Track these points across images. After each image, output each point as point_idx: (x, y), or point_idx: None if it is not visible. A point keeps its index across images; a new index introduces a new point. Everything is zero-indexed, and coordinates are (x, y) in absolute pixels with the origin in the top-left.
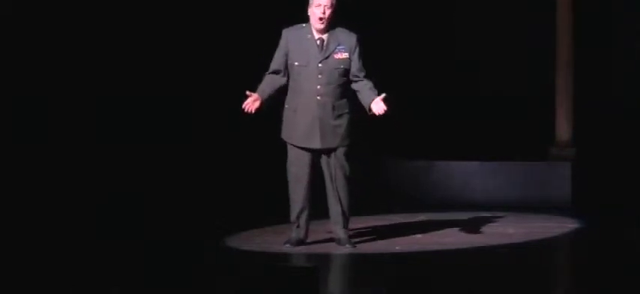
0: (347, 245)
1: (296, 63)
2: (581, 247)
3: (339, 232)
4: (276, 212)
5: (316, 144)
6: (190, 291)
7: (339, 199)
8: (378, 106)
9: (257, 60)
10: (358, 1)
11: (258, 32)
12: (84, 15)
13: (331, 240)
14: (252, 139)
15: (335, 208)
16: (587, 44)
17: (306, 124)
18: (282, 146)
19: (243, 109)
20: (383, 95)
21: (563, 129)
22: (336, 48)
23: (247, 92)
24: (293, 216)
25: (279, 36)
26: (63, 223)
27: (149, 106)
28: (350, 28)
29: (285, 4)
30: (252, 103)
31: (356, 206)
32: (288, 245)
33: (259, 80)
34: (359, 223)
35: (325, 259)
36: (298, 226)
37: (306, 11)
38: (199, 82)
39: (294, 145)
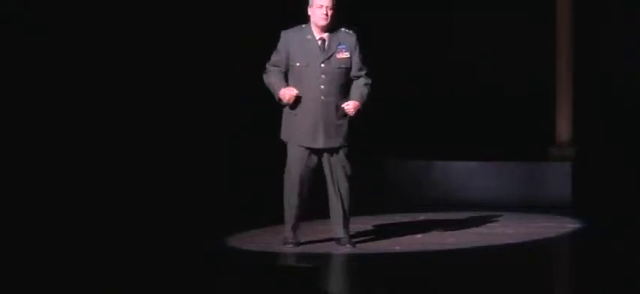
0: (347, 245)
1: (297, 64)
2: (581, 247)
3: (340, 232)
4: (276, 212)
5: (320, 144)
6: (190, 291)
7: (341, 198)
8: (346, 108)
9: (256, 61)
10: (358, 1)
11: (257, 33)
12: (83, 15)
13: (331, 240)
14: (252, 139)
15: (336, 208)
16: (587, 44)
17: (310, 124)
18: (282, 146)
19: (281, 100)
20: (351, 105)
21: (563, 129)
22: (337, 47)
23: (287, 89)
24: (290, 216)
25: (277, 35)
26: (63, 223)
27: (150, 106)
28: (351, 27)
29: (283, 5)
30: (292, 95)
31: (356, 206)
32: (290, 245)
33: (259, 80)
34: (359, 223)
35: (325, 259)
36: (294, 227)
37: (304, 11)
38: (199, 82)
39: (297, 146)
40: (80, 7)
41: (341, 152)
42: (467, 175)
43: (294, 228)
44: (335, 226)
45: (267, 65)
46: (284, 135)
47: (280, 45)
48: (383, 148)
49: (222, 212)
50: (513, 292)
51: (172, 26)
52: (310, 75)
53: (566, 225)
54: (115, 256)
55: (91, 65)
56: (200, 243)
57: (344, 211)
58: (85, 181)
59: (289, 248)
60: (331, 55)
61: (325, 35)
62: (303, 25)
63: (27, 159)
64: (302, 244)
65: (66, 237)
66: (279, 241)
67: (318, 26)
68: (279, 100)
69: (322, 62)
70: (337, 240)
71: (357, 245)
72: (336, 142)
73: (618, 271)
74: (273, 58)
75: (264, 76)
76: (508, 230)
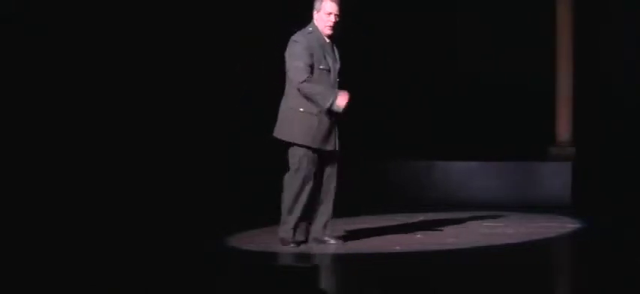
0: (333, 240)
1: (320, 67)
2: (581, 247)
3: (327, 229)
4: (276, 212)
5: (332, 146)
6: (190, 291)
7: (333, 197)
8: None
9: (256, 61)
10: (359, 2)
11: (257, 33)
12: (83, 15)
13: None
14: (252, 139)
15: (328, 206)
16: (587, 44)
17: (326, 127)
18: (281, 146)
19: (335, 106)
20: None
21: (563, 129)
22: (337, 52)
23: (342, 94)
24: (294, 218)
25: (277, 34)
26: (63, 223)
27: (150, 106)
28: (354, 28)
29: (283, 5)
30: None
31: (357, 206)
32: (292, 246)
33: (259, 80)
34: (359, 223)
35: (325, 259)
36: (295, 228)
37: (304, 11)
38: (199, 82)
39: (311, 148)
40: (80, 7)
41: (337, 152)
42: (467, 175)
43: (295, 229)
44: (324, 225)
45: (302, 73)
46: (296, 137)
47: (304, 49)
48: (384, 148)
49: (222, 212)
50: (513, 292)
51: (172, 26)
52: (329, 79)
53: (566, 225)
54: (115, 256)
55: (91, 65)
56: (200, 243)
57: (332, 209)
58: (85, 181)
59: (291, 248)
60: (338, 60)
61: (329, 40)
62: (311, 29)
63: (27, 159)
64: (302, 242)
65: (66, 237)
66: (277, 242)
67: (326, 32)
68: (329, 107)
69: (337, 66)
70: (320, 238)
71: (347, 243)
72: (338, 144)
73: (618, 271)
74: (304, 63)
75: (307, 85)
76: (508, 230)
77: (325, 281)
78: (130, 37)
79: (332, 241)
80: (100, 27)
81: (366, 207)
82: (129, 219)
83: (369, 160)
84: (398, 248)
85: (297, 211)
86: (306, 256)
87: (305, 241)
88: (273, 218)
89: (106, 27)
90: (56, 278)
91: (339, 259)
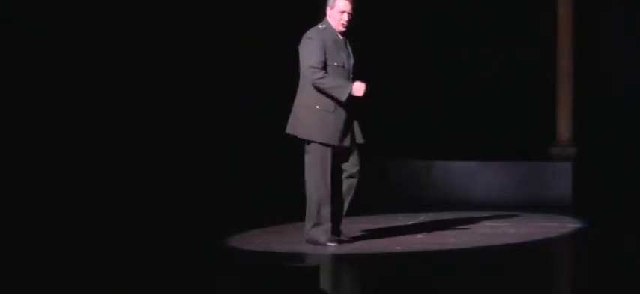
0: (348, 238)
1: (335, 63)
2: (581, 247)
3: (338, 229)
4: (276, 212)
5: (349, 142)
6: (190, 291)
7: (346, 196)
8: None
9: (256, 61)
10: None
11: (257, 33)
12: (83, 15)
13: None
14: (252, 139)
15: (342, 206)
16: (587, 44)
17: (342, 123)
18: (283, 146)
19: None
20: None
21: (564, 129)
22: (351, 48)
23: (358, 83)
24: (327, 215)
25: (277, 35)
26: (63, 223)
27: (150, 106)
28: (356, 27)
29: (283, 5)
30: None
31: (357, 206)
32: (334, 244)
33: (259, 79)
34: (359, 223)
35: (325, 259)
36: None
37: (319, 11)
38: (199, 82)
39: (329, 145)
40: (80, 7)
41: (357, 150)
42: (467, 175)
43: (331, 226)
44: (336, 225)
45: (317, 70)
46: (314, 135)
47: (319, 46)
48: (384, 148)
49: (222, 212)
50: (513, 292)
51: (172, 26)
52: (344, 75)
53: (567, 225)
54: (115, 255)
55: (91, 65)
56: (200, 243)
57: (346, 208)
58: (85, 181)
59: (333, 247)
60: (352, 56)
61: (342, 37)
62: (324, 25)
63: (27, 159)
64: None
65: (66, 237)
66: (282, 240)
67: (339, 30)
68: (347, 97)
69: (351, 63)
70: (339, 236)
71: (354, 243)
72: (359, 139)
73: (618, 271)
74: (318, 58)
75: (323, 81)
76: (508, 230)
77: (325, 281)
78: (130, 37)
79: (344, 240)
80: (100, 27)
81: (366, 207)
82: (129, 219)
83: (369, 160)
84: (398, 248)
85: (329, 207)
86: (305, 256)
87: (341, 239)
88: (273, 218)
89: (106, 27)
90: (56, 278)
91: (339, 259)
